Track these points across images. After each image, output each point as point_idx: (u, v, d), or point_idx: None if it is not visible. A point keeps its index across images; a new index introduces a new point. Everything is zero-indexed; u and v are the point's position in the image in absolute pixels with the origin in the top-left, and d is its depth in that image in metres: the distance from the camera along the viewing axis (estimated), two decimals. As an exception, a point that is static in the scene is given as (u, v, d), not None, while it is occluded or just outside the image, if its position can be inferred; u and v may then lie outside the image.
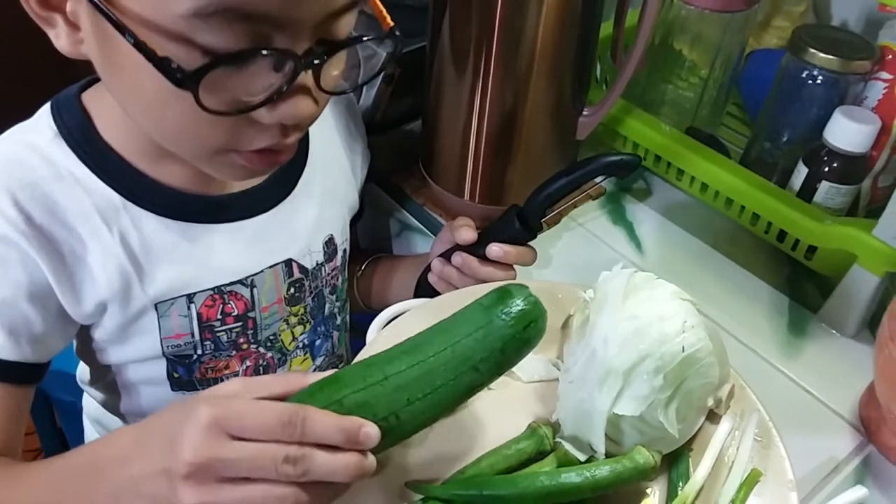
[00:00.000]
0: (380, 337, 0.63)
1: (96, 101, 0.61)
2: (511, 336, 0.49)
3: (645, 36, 0.71)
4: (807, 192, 0.74)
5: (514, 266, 0.72)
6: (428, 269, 0.75)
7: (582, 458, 0.54)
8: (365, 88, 0.87)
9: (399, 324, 0.64)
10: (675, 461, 0.56)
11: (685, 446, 0.57)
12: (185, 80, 0.45)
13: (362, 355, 0.61)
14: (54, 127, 0.60)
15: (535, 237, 0.69)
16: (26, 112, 0.62)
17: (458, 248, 0.71)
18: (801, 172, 0.75)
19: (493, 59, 0.73)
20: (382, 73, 0.86)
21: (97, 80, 0.59)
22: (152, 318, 0.64)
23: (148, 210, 0.61)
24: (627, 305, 0.56)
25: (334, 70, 0.53)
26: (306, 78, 0.49)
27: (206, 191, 0.64)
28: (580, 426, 0.55)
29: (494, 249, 0.68)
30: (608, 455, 0.54)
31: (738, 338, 0.73)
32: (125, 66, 0.49)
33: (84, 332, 0.65)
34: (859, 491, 0.52)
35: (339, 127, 0.78)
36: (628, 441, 0.55)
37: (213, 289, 0.65)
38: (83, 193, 0.59)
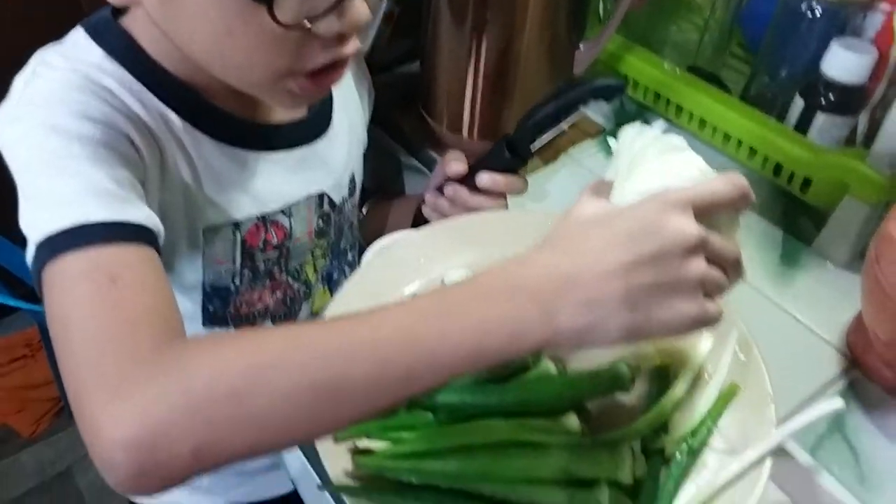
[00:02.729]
0: (370, 262, 0.65)
1: (138, 26, 0.58)
2: None
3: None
4: (803, 125, 0.74)
5: (508, 198, 0.73)
6: (423, 203, 0.76)
7: None
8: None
9: (388, 250, 0.66)
10: (655, 376, 0.57)
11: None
12: None
13: (352, 277, 0.63)
14: (100, 49, 0.56)
15: (524, 165, 0.70)
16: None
17: (450, 181, 0.73)
18: (798, 105, 0.75)
19: (489, -5, 0.74)
20: (383, 14, 0.88)
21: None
22: (198, 244, 0.64)
23: (204, 133, 0.61)
24: (644, 170, 0.49)
25: None
26: None
27: (256, 118, 0.65)
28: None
29: (484, 178, 0.69)
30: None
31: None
32: (185, 3, 0.50)
33: None
34: (835, 402, 0.52)
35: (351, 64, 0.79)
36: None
37: (258, 217, 0.67)
38: (151, 106, 0.57)
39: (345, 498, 0.49)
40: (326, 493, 0.57)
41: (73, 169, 0.49)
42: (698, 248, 0.41)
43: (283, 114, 0.67)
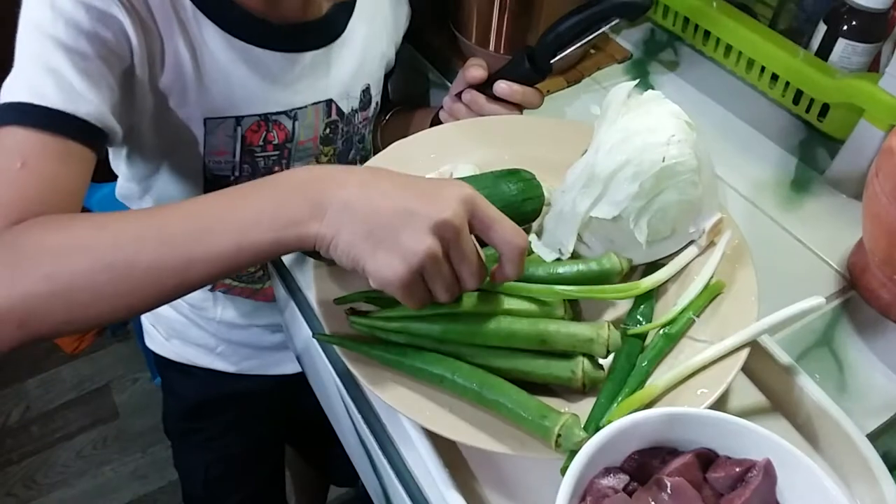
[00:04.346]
0: (383, 153, 0.67)
1: None
2: (510, 202, 0.58)
3: None
4: (824, 51, 0.74)
5: (524, 112, 0.74)
6: (441, 109, 0.78)
7: (548, 258, 0.57)
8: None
9: (401, 144, 0.68)
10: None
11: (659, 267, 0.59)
12: None
13: (368, 165, 0.66)
14: None
15: (543, 78, 0.72)
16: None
17: (469, 87, 0.74)
18: (820, 31, 0.75)
19: None
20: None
21: None
22: (200, 131, 0.68)
23: (216, 24, 0.65)
24: (625, 118, 0.57)
25: None
26: None
27: (270, 15, 0.67)
28: (558, 228, 0.58)
29: (501, 86, 0.71)
30: (577, 258, 0.58)
31: (740, 191, 0.74)
32: None
33: (134, 138, 0.68)
34: (815, 300, 0.53)
35: None
36: (599, 247, 0.58)
37: (260, 115, 0.70)
38: None
39: (337, 350, 0.52)
40: (333, 373, 0.60)
41: (48, 51, 0.55)
42: (444, 233, 0.44)
43: (297, 15, 0.69)
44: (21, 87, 0.55)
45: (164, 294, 0.48)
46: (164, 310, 0.90)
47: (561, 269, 0.56)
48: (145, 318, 0.96)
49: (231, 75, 0.67)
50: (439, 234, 0.44)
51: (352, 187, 0.45)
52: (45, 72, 0.55)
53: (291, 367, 0.91)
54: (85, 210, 1.18)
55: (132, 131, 0.67)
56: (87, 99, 0.56)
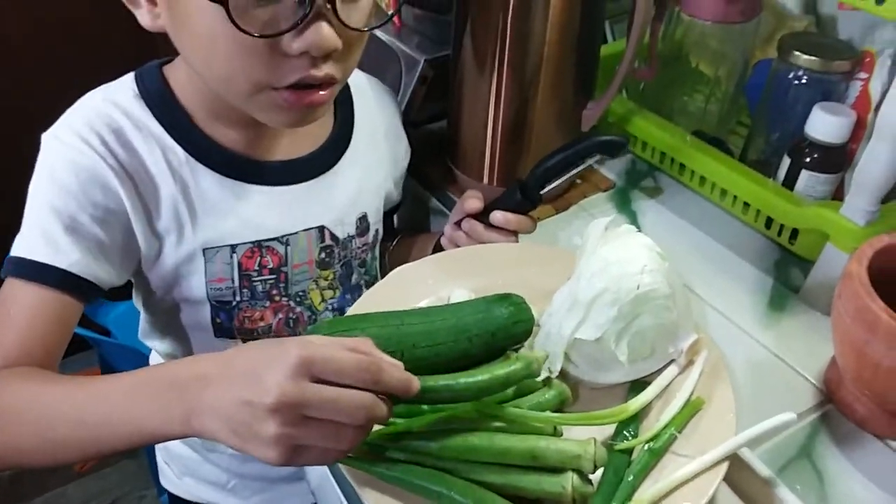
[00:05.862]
0: (386, 280, 0.73)
1: (174, 72, 0.73)
2: (502, 325, 0.63)
3: (636, 35, 0.80)
4: (790, 182, 0.81)
5: (519, 237, 0.81)
6: (442, 236, 0.85)
7: (539, 377, 0.62)
8: (402, 88, 0.99)
9: (403, 270, 0.74)
10: (634, 389, 0.63)
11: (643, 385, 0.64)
12: None
13: (370, 290, 0.72)
14: (136, 89, 0.71)
15: (534, 207, 0.78)
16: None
17: (467, 217, 0.81)
18: (785, 164, 0.81)
19: (506, 64, 0.84)
20: (418, 76, 0.98)
21: (173, 59, 0.72)
22: (199, 261, 0.74)
23: (207, 166, 0.73)
24: (603, 249, 0.64)
25: (354, 11, 0.62)
26: (326, 10, 0.59)
27: (257, 155, 0.75)
28: (546, 349, 0.63)
29: (497, 216, 0.78)
30: (565, 376, 0.62)
31: (718, 309, 0.79)
32: (185, 18, 0.61)
33: (144, 278, 0.75)
34: (787, 416, 0.57)
35: (385, 123, 0.89)
36: (584, 365, 0.62)
37: (253, 242, 0.76)
38: (156, 145, 0.71)
39: (341, 467, 0.56)
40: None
41: (43, 213, 0.66)
42: (281, 413, 0.45)
43: (284, 153, 0.77)
44: (21, 243, 0.67)
45: (94, 456, 0.56)
46: (177, 447, 0.94)
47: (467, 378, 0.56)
48: (159, 456, 0.99)
49: (223, 209, 0.74)
50: (277, 419, 0.45)
51: (212, 388, 0.48)
52: (38, 231, 0.66)
53: (306, 500, 0.93)
54: (101, 327, 1.23)
55: (139, 273, 0.74)
56: (67, 253, 0.66)
